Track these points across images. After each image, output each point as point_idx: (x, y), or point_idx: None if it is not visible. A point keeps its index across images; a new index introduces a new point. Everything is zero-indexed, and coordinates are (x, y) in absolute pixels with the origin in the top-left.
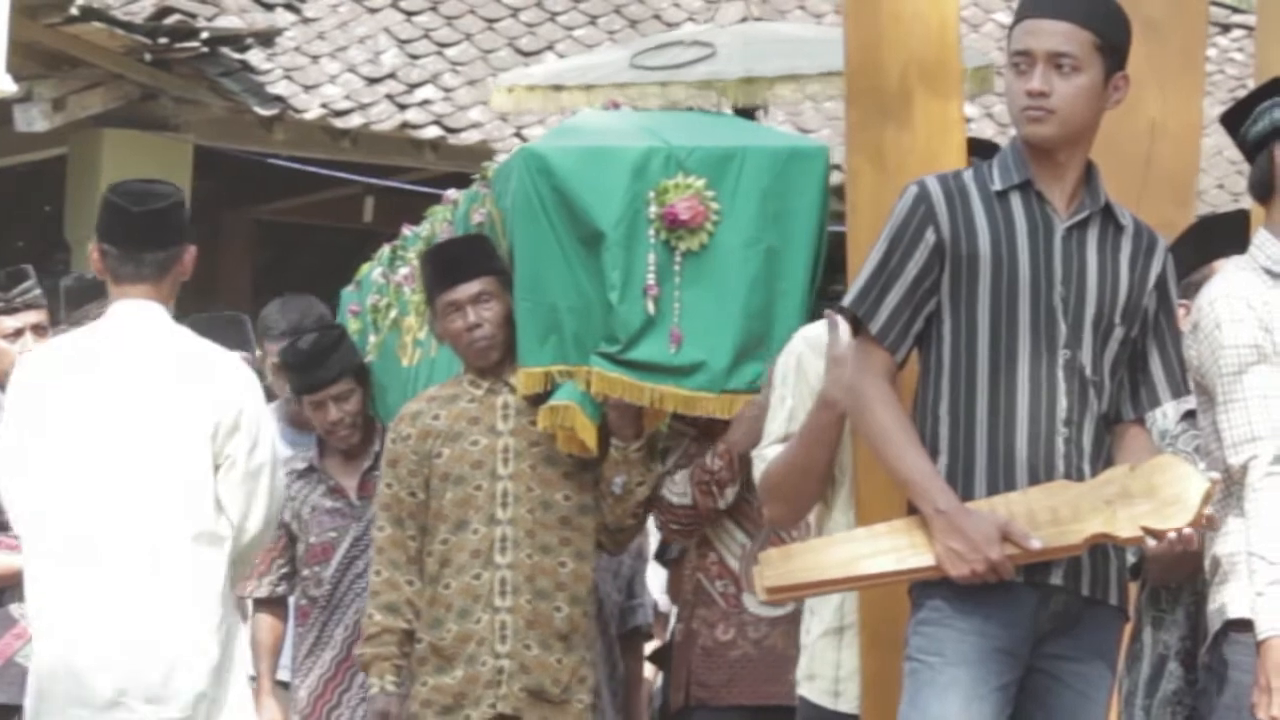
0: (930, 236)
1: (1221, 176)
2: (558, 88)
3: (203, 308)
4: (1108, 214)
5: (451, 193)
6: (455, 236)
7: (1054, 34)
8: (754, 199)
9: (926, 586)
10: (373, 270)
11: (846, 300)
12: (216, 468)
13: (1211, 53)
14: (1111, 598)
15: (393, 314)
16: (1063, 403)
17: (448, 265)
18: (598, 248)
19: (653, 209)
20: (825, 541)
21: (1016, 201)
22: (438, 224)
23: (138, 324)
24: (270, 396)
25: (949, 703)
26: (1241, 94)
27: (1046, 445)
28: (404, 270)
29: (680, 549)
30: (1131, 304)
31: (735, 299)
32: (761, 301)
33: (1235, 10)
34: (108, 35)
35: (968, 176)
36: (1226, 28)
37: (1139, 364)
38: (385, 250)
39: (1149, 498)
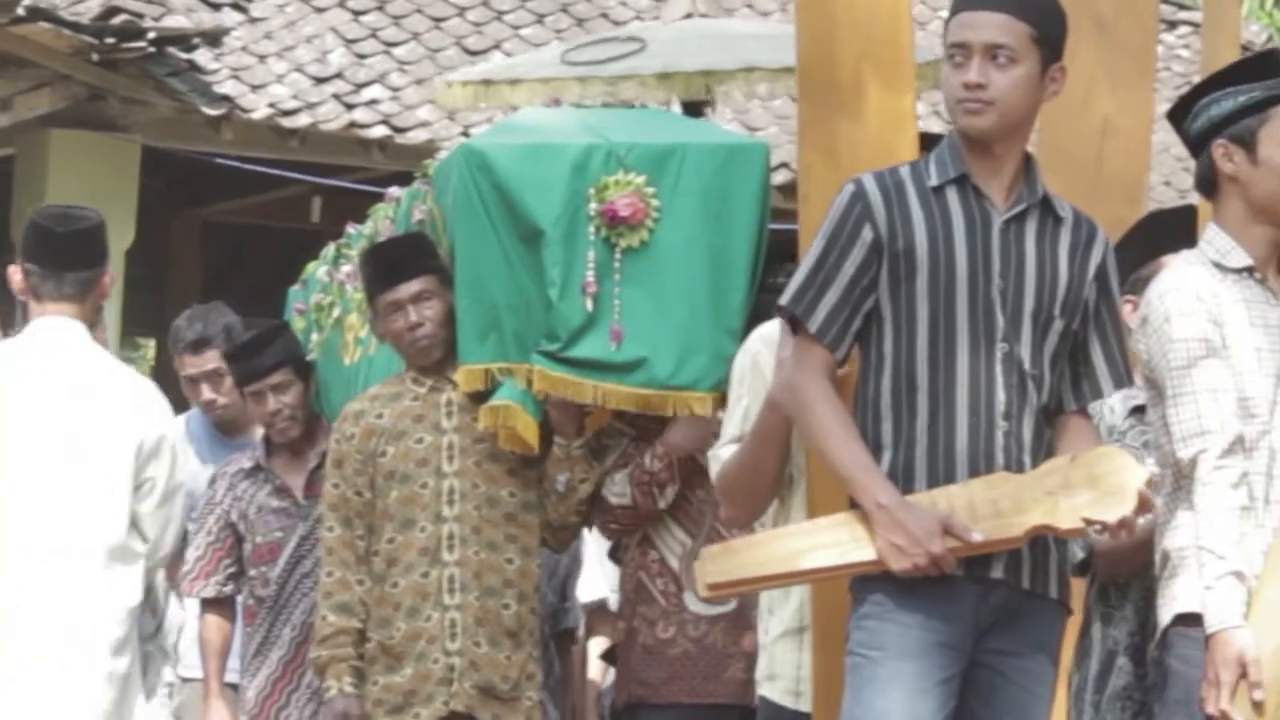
0: (867, 234)
1: (1168, 173)
2: (487, 83)
3: (152, 308)
4: (1046, 206)
5: (394, 190)
6: (395, 236)
7: (991, 26)
8: (694, 196)
9: (867, 581)
10: (318, 269)
11: (784, 299)
12: (136, 489)
13: (1158, 49)
14: (1052, 591)
15: (336, 312)
16: (1001, 396)
17: (387, 265)
18: (538, 245)
19: (592, 206)
20: (766, 536)
21: (953, 196)
22: (380, 222)
23: (61, 340)
24: (182, 408)
25: (892, 697)
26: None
27: (986, 439)
28: (347, 268)
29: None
30: (1071, 296)
31: (676, 296)
32: (702, 298)
33: (1181, 7)
34: (54, 35)
35: (904, 172)
36: (1173, 24)
37: (1080, 355)
38: (330, 248)
39: (1090, 488)
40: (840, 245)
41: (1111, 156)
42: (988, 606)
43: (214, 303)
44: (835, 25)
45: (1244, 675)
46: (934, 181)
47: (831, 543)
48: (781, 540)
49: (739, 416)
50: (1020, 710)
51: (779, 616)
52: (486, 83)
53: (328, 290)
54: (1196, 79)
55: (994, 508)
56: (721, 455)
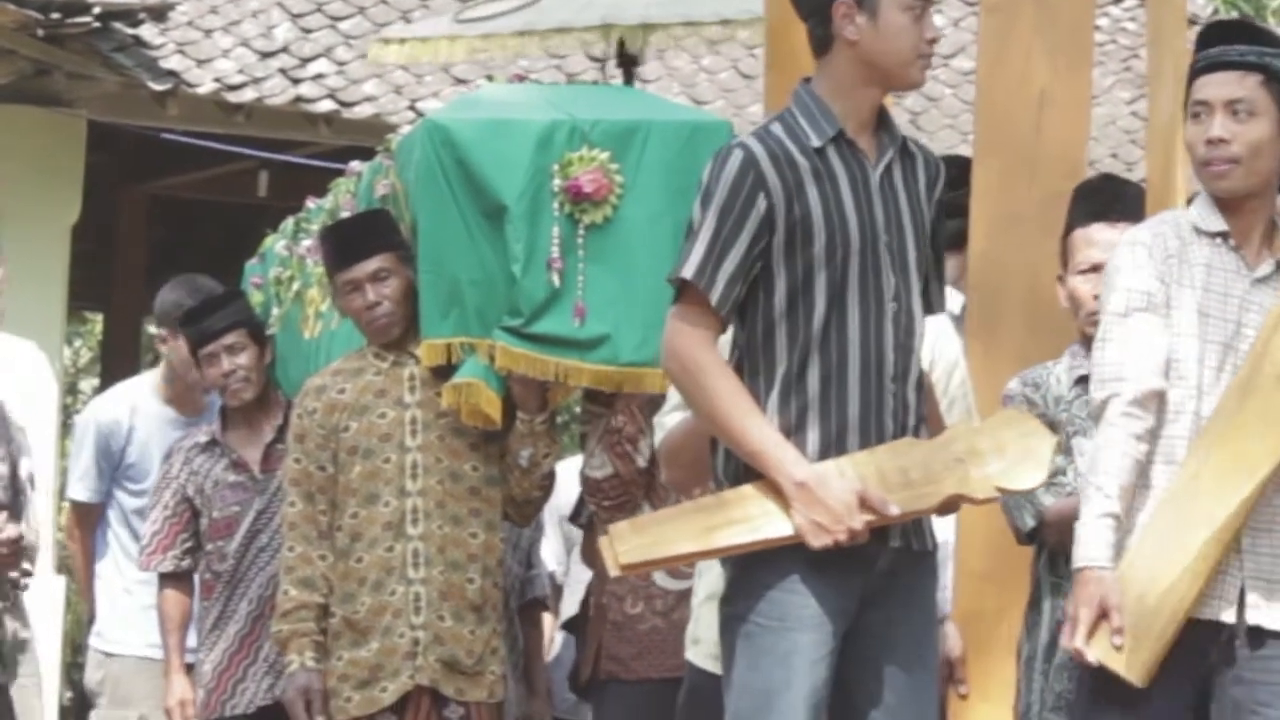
0: (761, 203)
1: (1115, 146)
2: (385, 41)
3: (98, 283)
4: (904, 149)
5: (354, 165)
6: (353, 214)
7: None
8: (658, 173)
9: (768, 549)
10: (276, 243)
11: (686, 271)
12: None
13: (1103, 22)
14: (928, 543)
15: (295, 286)
16: (890, 358)
17: (345, 243)
18: (500, 220)
19: (556, 182)
20: (673, 512)
21: (833, 154)
22: (341, 196)
23: None
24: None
25: (794, 667)
26: (1135, 64)
27: (877, 403)
28: (307, 242)
29: (590, 513)
30: (931, 232)
31: (639, 273)
32: (665, 276)
33: None
34: None
35: (780, 133)
36: None
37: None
38: (289, 222)
39: (999, 455)
40: (735, 215)
41: (1050, 129)
42: (875, 570)
43: (187, 276)
44: None
45: (1104, 616)
46: (815, 143)
47: (742, 518)
48: (690, 516)
49: None
50: (910, 676)
51: (705, 580)
52: (385, 41)
53: (286, 264)
54: (1143, 53)
55: (904, 477)
56: (667, 422)
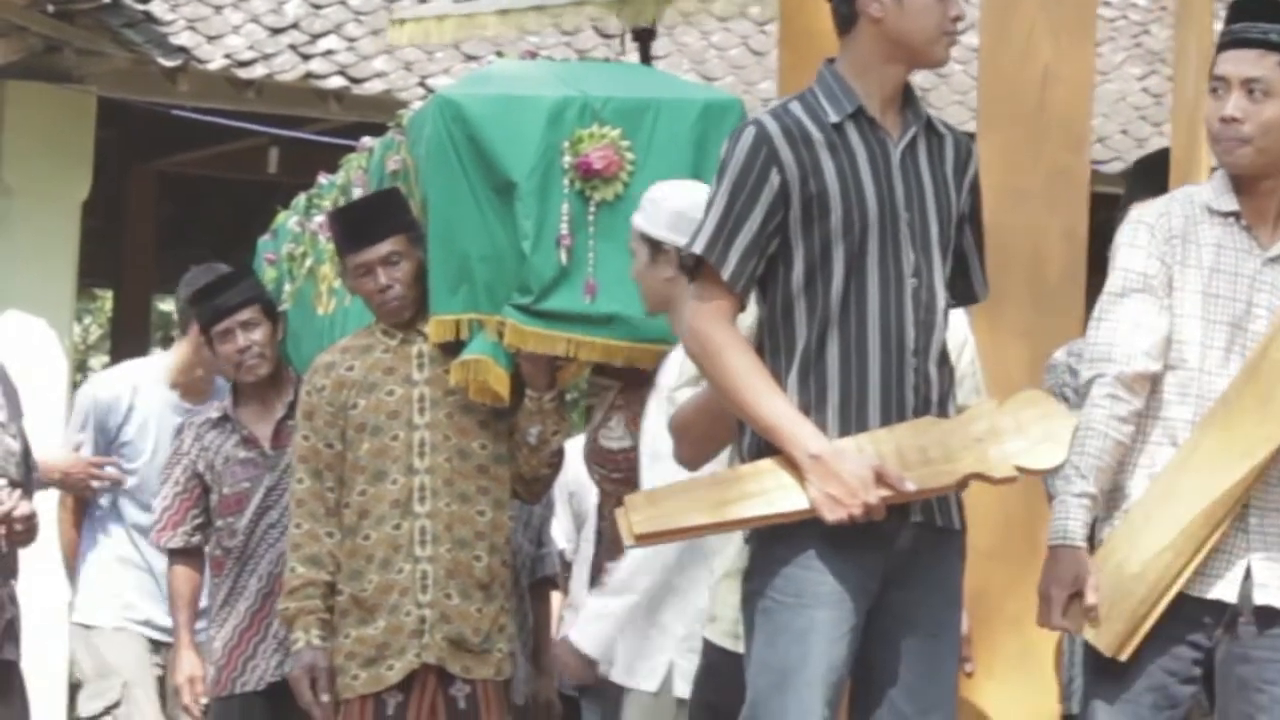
0: (775, 178)
1: (1125, 122)
2: (401, 21)
3: (108, 259)
4: (930, 128)
5: (366, 140)
6: (364, 196)
7: None
8: (669, 150)
9: (786, 526)
10: (289, 219)
11: (697, 246)
12: None
13: None
14: (955, 522)
15: (308, 262)
16: (910, 333)
17: (356, 225)
18: (511, 197)
19: (567, 159)
20: (689, 484)
21: (852, 131)
22: (353, 172)
23: None
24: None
25: (811, 645)
26: (1145, 40)
27: (898, 377)
28: (319, 218)
29: None
30: (960, 213)
31: None
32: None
33: None
34: None
35: (798, 110)
36: None
37: (958, 265)
38: (301, 198)
39: (1019, 435)
40: (748, 190)
41: (1054, 104)
42: (895, 548)
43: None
44: None
45: (1077, 594)
46: (833, 118)
47: (758, 491)
48: (707, 488)
49: None
50: (931, 659)
51: (723, 557)
52: (439, 18)
53: (299, 240)
54: (1153, 29)
55: (923, 455)
56: (678, 398)
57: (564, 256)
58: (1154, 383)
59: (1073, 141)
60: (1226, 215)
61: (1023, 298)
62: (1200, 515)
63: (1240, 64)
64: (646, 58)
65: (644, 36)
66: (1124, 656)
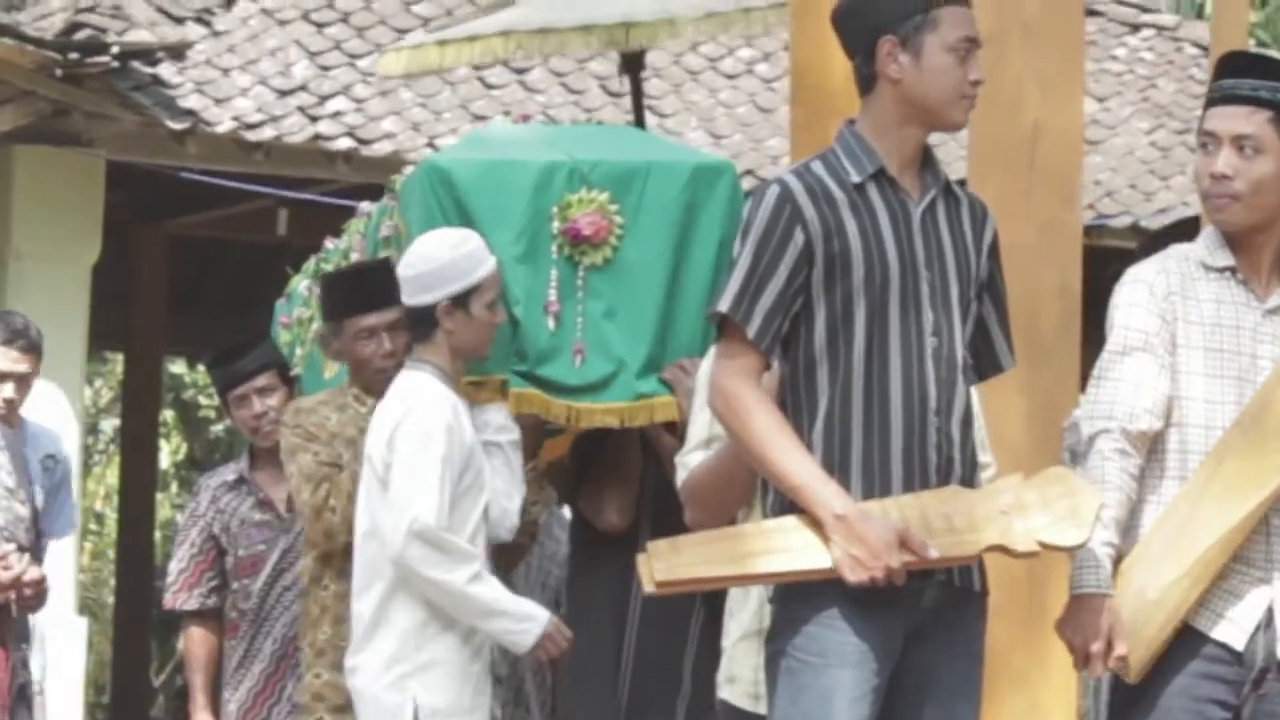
0: (799, 237)
1: (1132, 176)
2: (418, 47)
3: (119, 322)
4: (948, 190)
5: (364, 205)
6: (369, 260)
7: None
8: (658, 213)
9: (809, 585)
10: (299, 282)
11: (722, 305)
12: None
13: (1120, 52)
14: (976, 584)
15: (315, 326)
16: (932, 392)
17: (365, 288)
18: (500, 262)
19: (555, 224)
20: (715, 535)
21: (873, 191)
22: (353, 237)
23: None
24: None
25: (835, 704)
26: (1152, 94)
27: (920, 437)
28: None
29: None
30: (979, 276)
31: (640, 312)
32: (666, 314)
33: (1144, 10)
34: (18, 52)
35: (820, 170)
36: (1136, 27)
37: (979, 331)
38: (311, 262)
39: (1044, 510)
40: (773, 248)
41: (1044, 158)
42: (918, 609)
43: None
44: (828, 30)
45: (1110, 646)
46: (855, 179)
47: (783, 548)
48: (731, 541)
49: (705, 421)
50: (952, 717)
51: (739, 619)
52: (417, 47)
53: (308, 304)
54: (1161, 82)
55: (948, 523)
56: (689, 462)
57: (551, 323)
58: (1160, 440)
59: (1064, 195)
60: (1222, 270)
61: (1018, 352)
62: (1218, 543)
63: (1230, 120)
64: (637, 84)
65: (633, 63)
66: (1134, 679)
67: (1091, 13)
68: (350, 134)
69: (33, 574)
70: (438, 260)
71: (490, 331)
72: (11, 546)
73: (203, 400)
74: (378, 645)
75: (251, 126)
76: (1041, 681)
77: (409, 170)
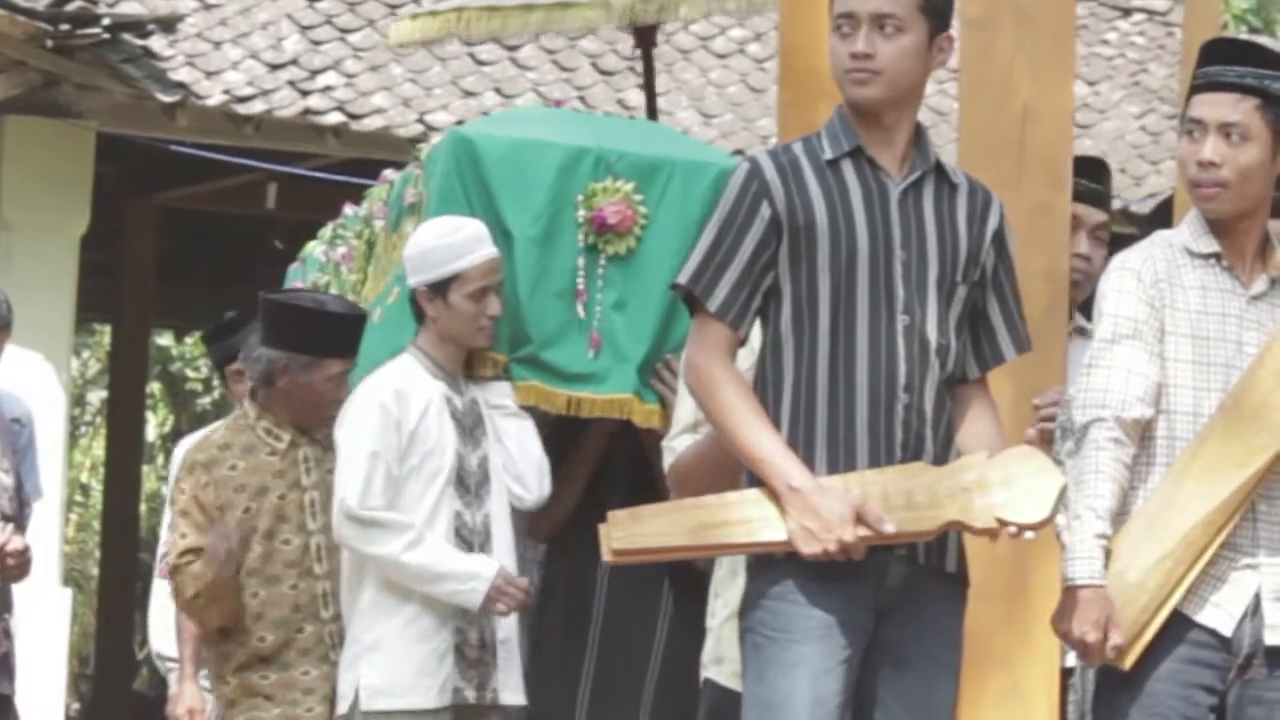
0: (765, 211)
1: (1123, 161)
2: (433, 14)
3: (107, 294)
4: (940, 173)
5: (388, 173)
6: (352, 310)
7: None
8: (681, 210)
9: (771, 560)
10: (315, 248)
11: (682, 278)
12: None
13: (1112, 37)
14: (949, 565)
15: (333, 292)
16: (902, 369)
17: (344, 337)
18: (513, 240)
19: (581, 212)
20: (674, 506)
21: (848, 168)
22: (374, 204)
23: None
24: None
25: (796, 679)
26: (1143, 78)
27: (886, 412)
28: (342, 249)
29: None
30: (971, 261)
31: (647, 308)
32: (668, 314)
33: None
34: (9, 22)
35: (798, 149)
36: (1127, 11)
37: (980, 320)
38: (327, 228)
39: (1006, 487)
40: (738, 223)
41: (1034, 142)
42: (885, 587)
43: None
44: (818, 11)
45: (1104, 636)
46: (828, 155)
47: (740, 519)
48: (691, 512)
49: (691, 405)
50: (923, 697)
51: (724, 599)
52: (433, 14)
53: (324, 270)
54: (1151, 67)
55: (908, 499)
56: (676, 446)
57: (580, 310)
58: (1148, 427)
59: (1054, 179)
60: (1207, 257)
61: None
62: (1199, 524)
63: (1217, 107)
64: (648, 57)
65: (645, 36)
66: (1127, 665)
67: None
68: (340, 108)
69: (16, 544)
70: (422, 246)
71: (474, 322)
72: None
73: (190, 373)
74: (350, 629)
75: (242, 100)
76: (1024, 662)
77: (435, 139)
